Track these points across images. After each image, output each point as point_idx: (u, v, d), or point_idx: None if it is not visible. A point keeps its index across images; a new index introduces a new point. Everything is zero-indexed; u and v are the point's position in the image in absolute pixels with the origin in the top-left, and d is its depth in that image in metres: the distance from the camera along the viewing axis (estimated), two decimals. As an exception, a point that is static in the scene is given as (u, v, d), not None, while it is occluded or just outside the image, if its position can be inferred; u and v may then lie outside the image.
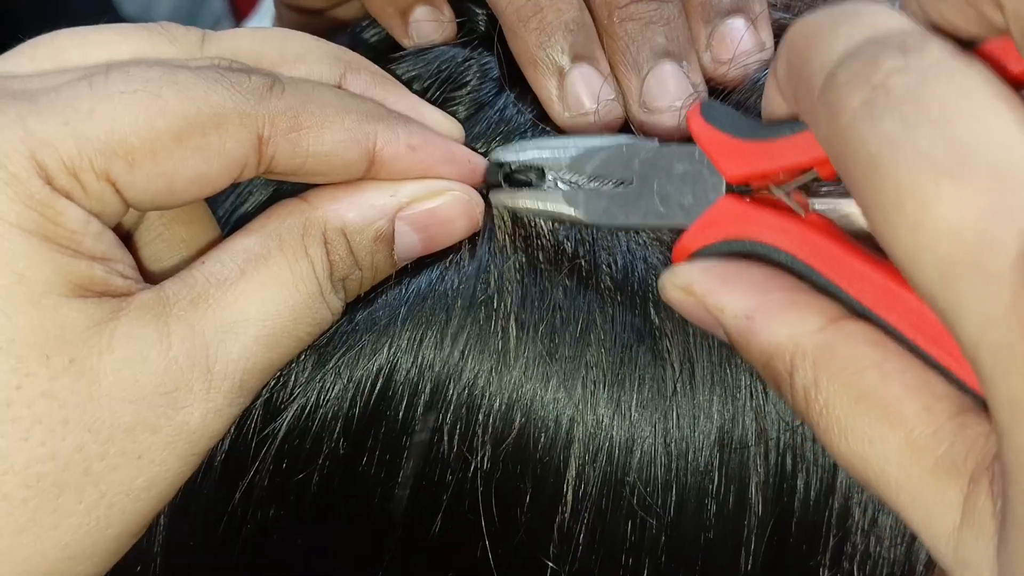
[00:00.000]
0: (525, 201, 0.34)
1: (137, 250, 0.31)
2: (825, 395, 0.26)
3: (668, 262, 0.33)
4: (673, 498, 0.32)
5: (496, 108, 0.36)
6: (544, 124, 0.35)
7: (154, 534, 0.35)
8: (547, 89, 0.35)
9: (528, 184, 0.34)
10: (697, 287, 0.29)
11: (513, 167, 0.34)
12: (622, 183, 0.33)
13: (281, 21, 0.50)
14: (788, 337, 0.27)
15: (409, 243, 0.32)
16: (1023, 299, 0.20)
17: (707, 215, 0.31)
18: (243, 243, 0.30)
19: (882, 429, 0.25)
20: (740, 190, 0.31)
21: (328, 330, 0.33)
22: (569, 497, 0.33)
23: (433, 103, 0.35)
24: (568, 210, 0.33)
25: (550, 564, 0.33)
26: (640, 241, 0.34)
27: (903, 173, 0.22)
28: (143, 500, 0.28)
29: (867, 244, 0.28)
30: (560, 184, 0.33)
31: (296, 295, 0.30)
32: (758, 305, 0.28)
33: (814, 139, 0.26)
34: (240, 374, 0.29)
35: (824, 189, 0.31)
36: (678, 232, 0.31)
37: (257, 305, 0.29)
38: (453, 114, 0.35)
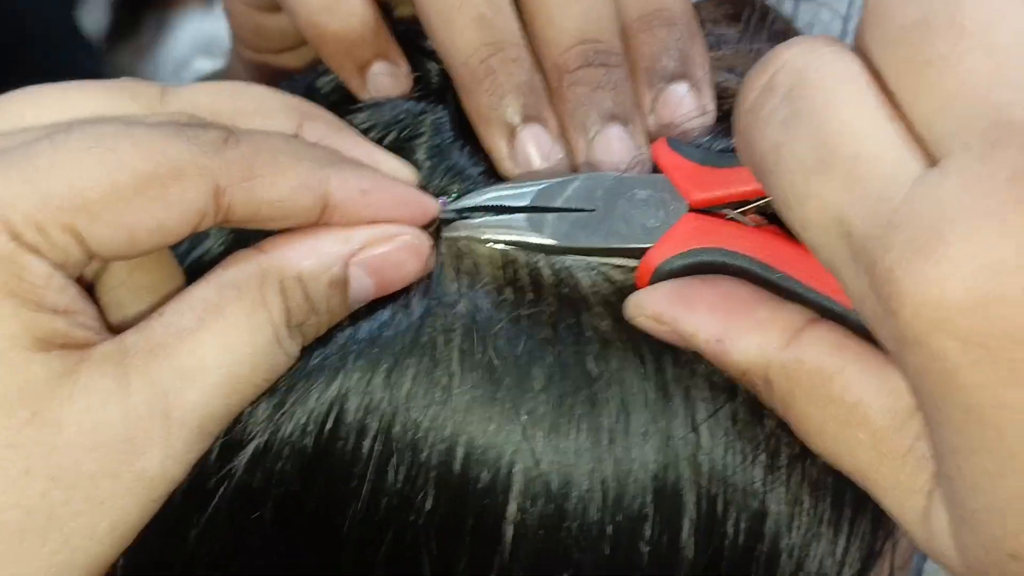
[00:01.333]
0: (486, 231, 0.35)
1: (100, 296, 0.32)
2: (799, 404, 0.30)
3: (617, 300, 0.34)
4: (608, 541, 0.34)
5: (450, 160, 0.37)
6: (496, 179, 0.36)
7: (113, 573, 0.36)
8: (498, 147, 0.36)
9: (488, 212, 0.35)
10: (666, 316, 0.32)
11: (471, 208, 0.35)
12: (585, 211, 0.34)
13: (235, 62, 0.51)
14: (758, 355, 0.31)
15: (363, 287, 0.33)
16: (877, 282, 0.24)
17: (671, 232, 0.33)
18: (201, 293, 0.31)
19: (852, 430, 0.29)
20: (701, 212, 0.33)
21: (284, 373, 0.34)
22: (509, 537, 0.34)
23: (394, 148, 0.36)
24: (532, 235, 0.34)
25: None
26: (585, 285, 0.35)
27: (786, 177, 0.26)
28: (105, 544, 0.29)
29: None
30: (522, 215, 0.34)
31: (254, 344, 0.31)
32: (725, 328, 0.31)
33: None
34: (198, 421, 0.30)
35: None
36: (638, 257, 0.33)
37: (215, 354, 0.30)
38: (412, 151, 0.37)
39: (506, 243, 0.35)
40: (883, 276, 0.24)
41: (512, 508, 0.33)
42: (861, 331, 0.30)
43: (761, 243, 0.31)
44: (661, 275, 0.32)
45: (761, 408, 0.35)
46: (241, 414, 0.34)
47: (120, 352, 0.29)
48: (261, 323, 0.31)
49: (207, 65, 0.74)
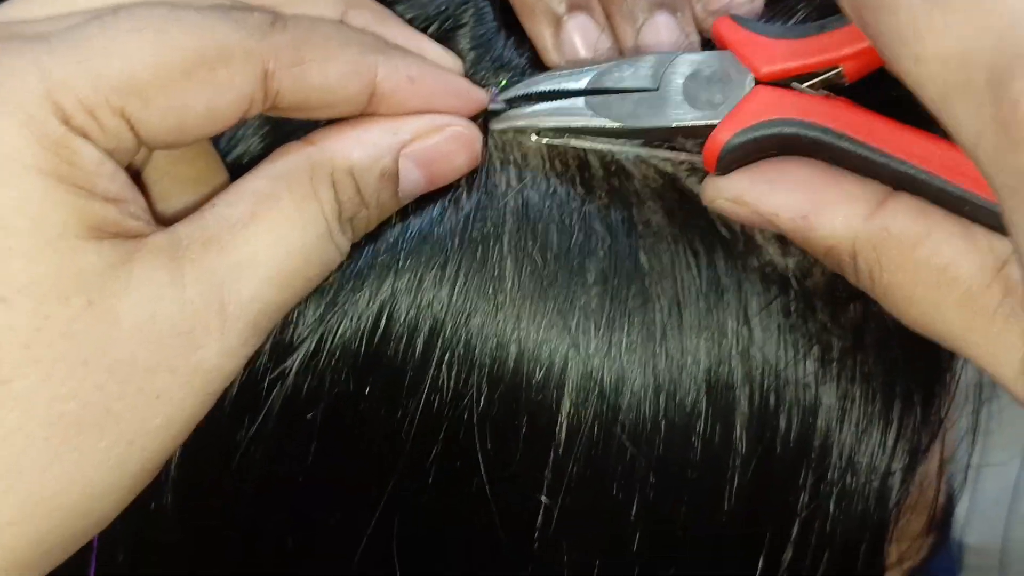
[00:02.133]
0: (542, 119, 0.33)
1: (145, 190, 0.31)
2: (888, 273, 0.30)
3: (669, 193, 0.34)
4: (661, 436, 0.33)
5: (494, 50, 0.36)
6: (542, 70, 0.35)
7: (167, 469, 0.35)
8: (543, 37, 0.35)
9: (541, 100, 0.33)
10: (748, 196, 0.31)
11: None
12: (647, 91, 0.33)
13: None
14: (845, 228, 0.30)
15: (413, 180, 0.32)
16: (998, 107, 0.24)
17: (739, 106, 0.31)
18: (252, 185, 0.30)
19: (943, 292, 0.29)
20: (769, 84, 0.32)
21: (335, 270, 0.33)
22: (562, 434, 0.33)
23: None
24: (593, 119, 0.33)
25: (543, 498, 0.34)
26: (635, 177, 0.34)
27: (903, 10, 0.25)
28: (161, 438, 0.28)
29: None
30: (580, 98, 0.33)
31: (306, 236, 0.30)
32: (811, 203, 0.31)
33: (841, 38, 0.30)
34: (253, 315, 0.29)
35: None
36: (705, 134, 0.32)
37: (268, 246, 0.29)
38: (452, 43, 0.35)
39: (565, 130, 0.33)
40: (1011, 103, 0.23)
41: (566, 404, 0.33)
42: (941, 200, 0.29)
43: (834, 113, 0.30)
44: (731, 149, 0.31)
45: (813, 302, 0.34)
46: (292, 314, 0.33)
47: (173, 244, 0.28)
48: (313, 216, 0.30)
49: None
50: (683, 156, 0.34)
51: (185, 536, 0.37)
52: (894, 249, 0.30)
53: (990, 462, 0.55)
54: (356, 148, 0.31)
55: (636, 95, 0.33)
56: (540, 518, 0.34)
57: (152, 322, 0.27)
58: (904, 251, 0.30)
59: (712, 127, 0.32)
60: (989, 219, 0.29)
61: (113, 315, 0.27)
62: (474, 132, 0.33)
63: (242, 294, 0.29)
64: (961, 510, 0.58)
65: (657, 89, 0.33)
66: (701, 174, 0.34)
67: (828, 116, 0.30)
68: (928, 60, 0.25)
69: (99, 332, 0.27)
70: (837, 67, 0.31)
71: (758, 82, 0.32)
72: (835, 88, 0.32)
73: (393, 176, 0.32)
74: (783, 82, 0.32)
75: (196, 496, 0.36)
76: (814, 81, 0.31)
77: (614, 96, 0.33)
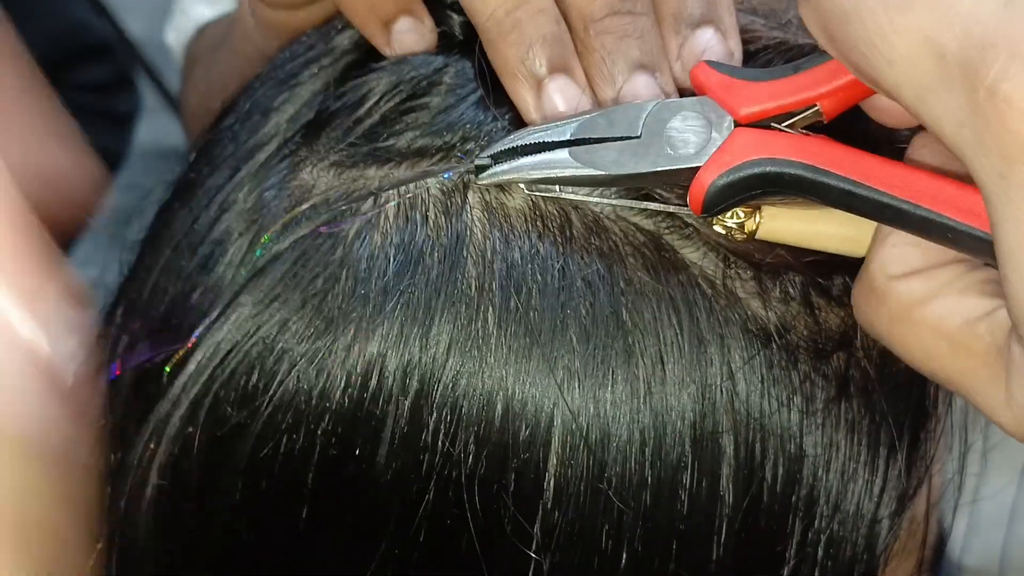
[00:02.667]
0: (527, 171, 0.33)
1: None
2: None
3: (650, 250, 0.34)
4: (648, 491, 0.33)
5: (471, 107, 0.36)
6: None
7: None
8: (525, 99, 0.35)
9: (526, 154, 0.33)
10: None
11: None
12: (630, 139, 0.33)
13: (246, 17, 0.50)
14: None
15: None
16: (975, 96, 0.25)
17: (722, 148, 0.31)
18: None
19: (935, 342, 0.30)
20: (749, 126, 0.32)
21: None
22: (550, 491, 0.33)
23: (403, 108, 0.36)
24: (578, 169, 0.33)
25: (533, 555, 0.34)
26: (616, 235, 0.34)
27: (868, 17, 0.26)
28: None
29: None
30: (564, 149, 0.33)
31: None
32: None
33: (816, 78, 0.31)
34: None
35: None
36: (689, 178, 0.32)
37: None
38: (425, 107, 0.36)
39: (551, 180, 0.33)
40: (987, 92, 0.24)
41: (552, 461, 0.33)
42: (925, 229, 0.30)
43: (814, 149, 0.30)
44: (716, 190, 0.31)
45: (796, 354, 0.34)
46: (274, 370, 0.34)
47: None
48: None
49: (206, 12, 0.72)
50: (668, 207, 0.34)
51: None
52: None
53: (985, 495, 0.55)
54: None
55: (619, 143, 0.33)
56: (531, 574, 0.34)
57: None
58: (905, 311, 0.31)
59: (696, 170, 0.32)
60: (972, 246, 0.29)
61: None
62: None
63: None
64: (959, 531, 0.58)
65: (640, 136, 0.33)
66: (682, 230, 0.35)
67: (809, 153, 0.30)
68: (900, 62, 0.26)
69: None
70: (814, 105, 0.31)
71: (738, 124, 0.32)
72: (813, 127, 0.32)
73: None
74: (762, 123, 0.32)
75: (178, 564, 0.37)
76: (792, 120, 0.32)
77: (597, 145, 0.33)
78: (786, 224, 0.34)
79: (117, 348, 0.39)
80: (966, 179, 0.28)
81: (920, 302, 0.31)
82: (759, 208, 0.33)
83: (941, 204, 0.29)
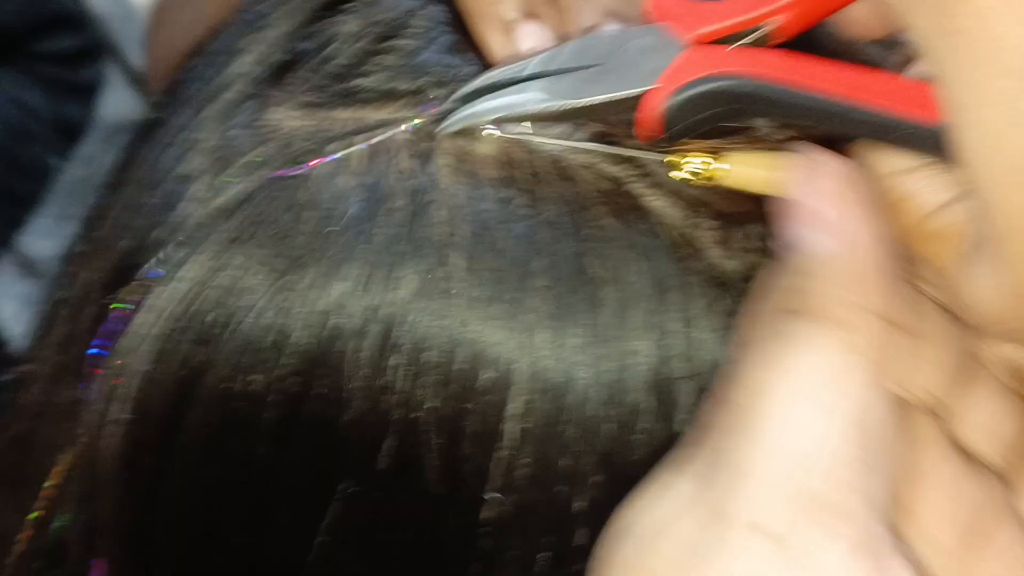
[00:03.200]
0: (490, 114, 0.33)
1: None
2: None
3: (617, 197, 0.34)
4: (606, 435, 0.33)
5: (440, 51, 0.36)
6: None
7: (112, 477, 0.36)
8: (493, 44, 0.35)
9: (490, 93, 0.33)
10: None
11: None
12: (589, 67, 0.32)
13: None
14: None
15: None
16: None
17: (672, 67, 0.31)
18: None
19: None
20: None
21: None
22: (510, 433, 0.33)
23: (371, 50, 0.36)
24: (539, 103, 0.32)
25: (490, 496, 0.34)
26: (584, 182, 0.34)
27: None
28: None
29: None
30: (525, 86, 0.33)
31: None
32: None
33: None
34: None
35: None
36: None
37: None
38: (394, 50, 0.36)
39: (514, 118, 0.33)
40: None
41: (513, 404, 0.33)
42: (903, 142, 0.29)
43: (769, 62, 0.30)
44: (669, 111, 0.31)
45: None
46: (236, 310, 0.34)
47: None
48: None
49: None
50: (632, 151, 0.34)
51: (129, 547, 0.37)
52: None
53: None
54: None
55: (579, 73, 0.33)
56: (487, 515, 0.34)
57: None
58: None
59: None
60: (934, 145, 0.29)
61: None
62: None
63: None
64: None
65: (600, 65, 0.32)
66: (648, 178, 0.35)
67: (762, 65, 0.30)
68: None
69: None
70: (767, 22, 0.31)
71: (691, 45, 0.32)
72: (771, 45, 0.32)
73: None
74: (715, 43, 0.32)
75: (137, 504, 0.36)
76: (750, 39, 0.31)
77: (557, 77, 0.33)
78: (748, 170, 0.33)
79: (76, 284, 0.39)
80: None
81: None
82: (719, 154, 0.33)
83: (900, 102, 0.29)
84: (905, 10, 0.25)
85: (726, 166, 0.33)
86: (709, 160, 0.33)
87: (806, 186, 0.28)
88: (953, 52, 0.24)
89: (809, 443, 0.26)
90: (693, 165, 0.33)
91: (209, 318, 0.34)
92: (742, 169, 0.33)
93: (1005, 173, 0.24)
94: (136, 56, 1.43)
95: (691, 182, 0.34)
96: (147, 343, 0.35)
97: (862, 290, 0.27)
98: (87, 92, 1.25)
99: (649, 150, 0.34)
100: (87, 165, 1.28)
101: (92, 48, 1.27)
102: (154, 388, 0.35)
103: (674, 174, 0.34)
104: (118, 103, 1.34)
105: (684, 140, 0.33)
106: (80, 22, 1.26)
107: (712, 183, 0.34)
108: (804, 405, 0.27)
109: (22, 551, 0.40)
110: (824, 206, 0.28)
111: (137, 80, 1.65)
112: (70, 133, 1.23)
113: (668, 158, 0.34)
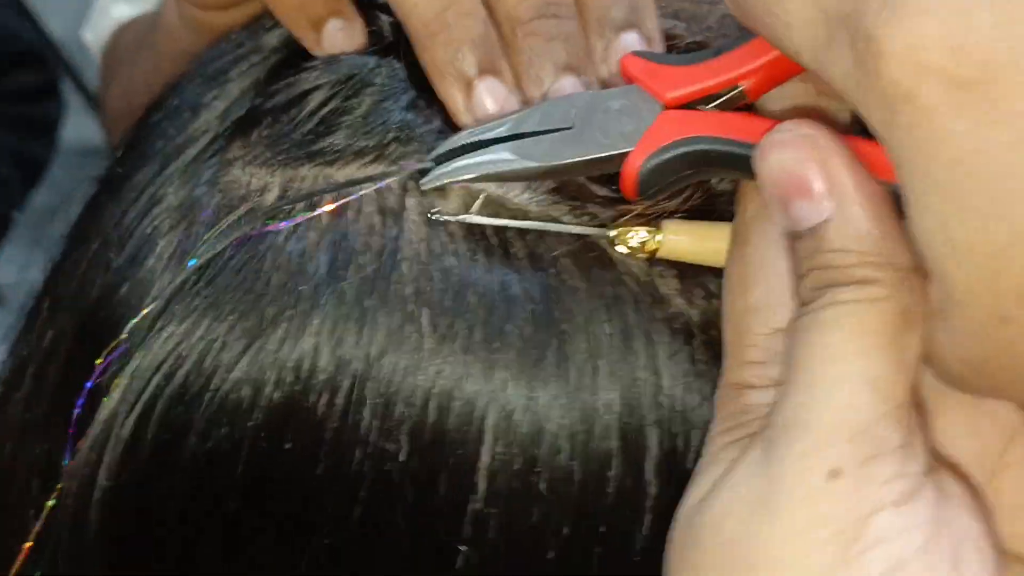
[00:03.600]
0: (466, 172, 0.33)
1: None
2: None
3: (583, 253, 0.34)
4: (577, 483, 0.34)
5: (402, 108, 0.36)
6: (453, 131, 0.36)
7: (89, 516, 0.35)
8: (455, 100, 0.35)
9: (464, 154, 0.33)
10: None
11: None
12: (563, 129, 0.33)
13: (171, 16, 0.49)
14: None
15: None
16: (856, 48, 0.25)
17: (649, 131, 0.32)
18: None
19: None
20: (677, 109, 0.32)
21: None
22: (482, 485, 0.33)
23: (335, 108, 0.36)
24: (515, 162, 0.33)
25: (462, 548, 0.34)
26: (552, 239, 0.35)
27: None
28: None
29: None
30: (500, 146, 0.33)
31: None
32: None
33: (739, 57, 0.31)
34: None
35: None
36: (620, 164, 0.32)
37: None
38: (358, 108, 0.36)
39: (490, 177, 0.33)
40: (864, 41, 0.24)
41: (484, 457, 0.33)
42: None
43: (738, 125, 0.31)
44: (646, 173, 0.31)
45: (717, 349, 0.35)
46: (210, 360, 0.34)
47: None
48: None
49: (127, 10, 0.70)
50: (585, 229, 0.35)
51: None
52: None
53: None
54: None
55: (553, 135, 0.33)
56: (459, 567, 0.34)
57: None
58: None
59: (627, 154, 0.32)
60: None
61: None
62: None
63: None
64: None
65: (572, 127, 0.33)
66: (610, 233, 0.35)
67: (733, 128, 0.31)
68: (795, 24, 0.27)
69: None
70: (738, 85, 0.32)
71: (665, 107, 0.32)
72: (743, 108, 0.32)
73: None
74: (689, 105, 0.32)
75: (118, 565, 0.36)
76: (718, 102, 0.32)
77: (532, 139, 0.33)
78: (687, 243, 0.34)
79: (43, 341, 0.38)
80: None
81: None
82: (659, 228, 0.34)
83: (875, 170, 0.29)
84: (856, 101, 0.26)
85: (664, 238, 0.34)
86: (649, 235, 0.34)
87: (784, 162, 0.29)
88: (899, 143, 0.25)
89: (863, 390, 0.27)
90: (635, 239, 0.34)
91: (185, 384, 0.34)
92: (679, 240, 0.34)
93: (950, 255, 0.25)
94: (94, 81, 1.42)
95: (633, 255, 0.34)
96: (133, 411, 0.34)
97: (872, 245, 0.27)
98: (48, 128, 1.25)
99: (593, 227, 0.34)
100: (47, 191, 1.27)
101: (53, 84, 1.26)
102: (136, 453, 0.34)
103: (619, 248, 0.34)
104: (76, 127, 1.33)
105: (629, 210, 0.34)
106: (42, 58, 1.25)
107: (651, 256, 0.34)
108: (854, 359, 0.27)
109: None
110: (809, 176, 0.28)
111: (95, 105, 1.64)
112: (32, 169, 1.22)
113: (612, 233, 0.34)
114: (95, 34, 0.72)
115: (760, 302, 0.30)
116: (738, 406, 0.30)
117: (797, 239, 0.29)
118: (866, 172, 0.28)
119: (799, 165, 0.28)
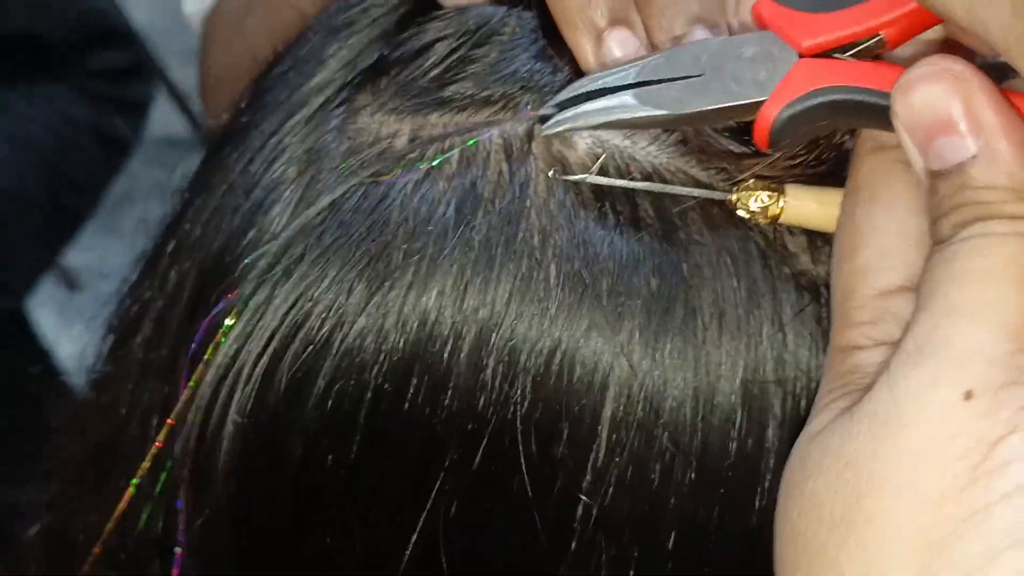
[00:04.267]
0: (591, 117, 0.32)
1: None
2: None
3: (710, 205, 0.33)
4: (699, 438, 0.33)
5: (531, 57, 0.35)
6: None
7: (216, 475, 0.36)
8: (584, 50, 0.35)
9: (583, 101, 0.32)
10: None
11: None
12: (693, 77, 0.32)
13: None
14: None
15: None
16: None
17: (785, 80, 0.31)
18: None
19: None
20: (812, 57, 0.31)
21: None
22: (604, 437, 0.33)
23: (463, 56, 0.35)
24: (642, 110, 0.31)
25: (583, 498, 0.33)
26: (677, 197, 0.34)
27: None
28: None
29: None
30: (627, 92, 0.32)
31: None
32: None
33: (877, 7, 0.30)
34: None
35: None
36: (754, 112, 0.31)
37: None
38: (485, 57, 0.35)
39: (614, 124, 0.32)
40: None
41: (607, 410, 0.33)
42: None
43: (879, 75, 0.30)
44: (781, 123, 0.30)
45: None
46: (333, 311, 0.33)
47: None
48: None
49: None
50: (710, 193, 0.34)
51: (233, 538, 0.37)
52: None
53: None
54: None
55: (682, 82, 0.32)
56: (579, 517, 0.34)
57: None
58: None
59: (759, 104, 0.31)
60: None
61: None
62: None
63: None
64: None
65: (703, 75, 0.32)
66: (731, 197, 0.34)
67: (873, 78, 0.30)
68: None
69: None
70: (877, 35, 0.31)
71: (801, 56, 0.31)
72: (879, 58, 0.31)
73: None
74: (825, 54, 0.31)
75: (244, 499, 0.36)
76: (856, 51, 0.31)
77: (660, 86, 0.32)
78: (810, 208, 0.33)
79: (166, 286, 0.39)
80: None
81: None
82: (782, 192, 0.33)
83: None
84: (1015, 54, 0.25)
85: (787, 203, 0.33)
86: (770, 200, 0.33)
87: (928, 97, 0.28)
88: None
89: (1008, 319, 0.26)
90: (756, 203, 0.33)
91: (317, 324, 0.34)
92: (801, 205, 0.33)
93: None
94: (181, 73, 1.43)
95: (753, 219, 0.33)
96: (261, 350, 0.34)
97: (1022, 182, 0.27)
98: (135, 109, 1.26)
99: (715, 190, 0.33)
100: (130, 180, 1.29)
101: (141, 65, 1.27)
102: (268, 391, 0.34)
103: (739, 212, 0.33)
104: (159, 118, 1.35)
105: (752, 174, 0.33)
106: (129, 38, 1.26)
107: (773, 221, 0.33)
108: (1002, 287, 0.26)
109: (106, 546, 0.39)
110: (953, 112, 0.27)
111: (180, 98, 1.66)
112: (117, 149, 1.23)
113: (733, 197, 0.33)
114: (195, 4, 0.73)
115: (868, 264, 0.30)
116: (846, 366, 0.29)
117: (939, 178, 0.28)
118: (1012, 109, 0.27)
119: (943, 101, 0.27)
